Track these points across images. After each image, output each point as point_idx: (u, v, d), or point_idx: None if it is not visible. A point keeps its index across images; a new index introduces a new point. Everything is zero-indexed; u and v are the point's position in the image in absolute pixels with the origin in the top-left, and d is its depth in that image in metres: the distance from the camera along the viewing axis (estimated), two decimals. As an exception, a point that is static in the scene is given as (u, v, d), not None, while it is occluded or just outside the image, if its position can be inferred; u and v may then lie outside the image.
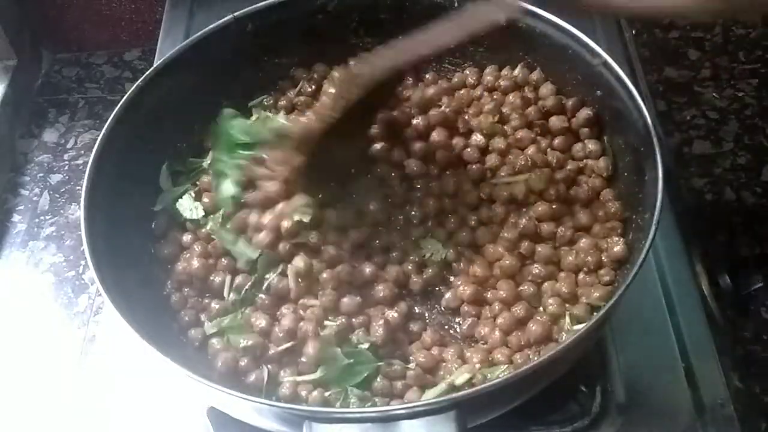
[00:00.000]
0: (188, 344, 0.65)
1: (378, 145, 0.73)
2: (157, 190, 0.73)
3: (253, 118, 0.76)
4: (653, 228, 0.57)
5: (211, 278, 0.67)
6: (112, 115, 0.68)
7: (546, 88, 0.74)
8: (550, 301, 0.64)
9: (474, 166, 0.72)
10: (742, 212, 1.04)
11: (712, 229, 1.01)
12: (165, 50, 0.99)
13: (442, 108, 0.75)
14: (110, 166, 0.67)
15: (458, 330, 0.67)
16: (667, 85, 1.19)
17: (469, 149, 0.72)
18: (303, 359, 0.62)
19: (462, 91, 0.77)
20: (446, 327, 0.68)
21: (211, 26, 0.74)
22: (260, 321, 0.64)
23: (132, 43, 1.31)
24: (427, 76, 0.79)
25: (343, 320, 0.63)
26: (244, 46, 0.76)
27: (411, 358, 0.64)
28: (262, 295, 0.66)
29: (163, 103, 0.72)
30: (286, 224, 0.66)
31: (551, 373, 0.58)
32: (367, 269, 0.67)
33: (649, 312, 0.73)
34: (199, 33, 0.74)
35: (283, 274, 0.66)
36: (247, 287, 0.66)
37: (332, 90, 0.65)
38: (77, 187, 1.11)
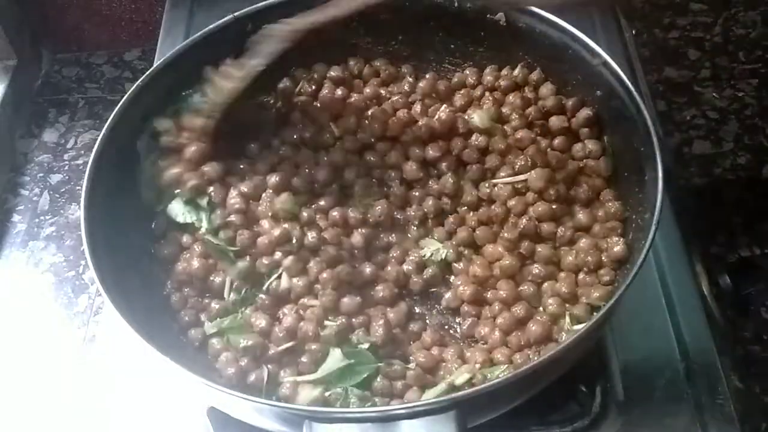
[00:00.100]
0: (188, 344, 0.65)
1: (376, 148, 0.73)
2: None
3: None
4: (653, 228, 0.57)
5: (211, 278, 0.67)
6: (112, 115, 0.68)
7: (546, 88, 0.74)
8: (550, 301, 0.64)
9: (474, 166, 0.72)
10: (742, 212, 1.04)
11: (712, 229, 1.01)
12: (165, 50, 0.99)
13: (443, 108, 0.75)
14: (110, 166, 0.67)
15: (458, 330, 0.67)
16: (667, 85, 1.19)
17: (469, 149, 0.72)
18: (303, 359, 0.62)
19: (462, 91, 0.77)
20: (446, 327, 0.68)
21: (211, 26, 0.74)
22: (260, 321, 0.64)
23: (132, 43, 1.31)
24: (426, 75, 0.80)
25: (344, 320, 0.63)
26: (244, 46, 0.76)
27: (411, 358, 0.64)
28: (262, 295, 0.66)
29: (163, 103, 0.72)
30: (276, 232, 0.67)
31: (551, 373, 0.58)
32: (367, 269, 0.67)
33: (649, 312, 0.73)
34: (199, 33, 0.74)
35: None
36: (247, 288, 0.66)
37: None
38: (77, 187, 1.11)
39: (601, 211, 0.68)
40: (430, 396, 0.60)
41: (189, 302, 0.67)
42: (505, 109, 0.74)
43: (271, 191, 0.70)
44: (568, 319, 0.63)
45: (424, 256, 0.69)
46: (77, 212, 1.08)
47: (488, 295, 0.66)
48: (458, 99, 0.76)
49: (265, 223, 0.69)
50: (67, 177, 1.13)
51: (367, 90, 0.78)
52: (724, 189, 1.07)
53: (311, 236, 0.67)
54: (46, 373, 0.90)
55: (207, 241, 0.68)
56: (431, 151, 0.72)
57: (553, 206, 0.68)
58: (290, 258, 0.66)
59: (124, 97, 0.69)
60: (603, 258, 0.65)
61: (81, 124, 1.20)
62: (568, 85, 0.74)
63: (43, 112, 1.22)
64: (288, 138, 0.74)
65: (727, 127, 1.14)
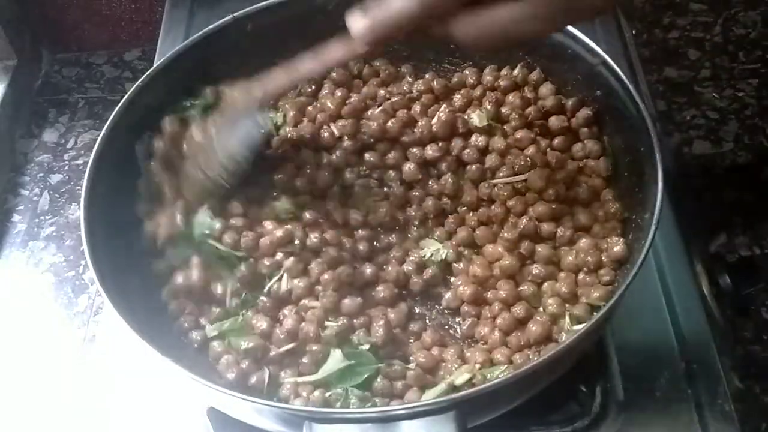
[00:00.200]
0: (188, 345, 0.65)
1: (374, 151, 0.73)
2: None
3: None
4: (653, 228, 0.57)
5: (211, 287, 0.66)
6: (112, 115, 0.68)
7: (546, 88, 0.74)
8: (550, 301, 0.64)
9: (474, 166, 0.72)
10: (742, 212, 1.04)
11: (712, 229, 1.01)
12: (165, 50, 0.99)
13: (442, 108, 0.75)
14: (110, 166, 0.67)
15: (458, 330, 0.67)
16: (667, 85, 1.19)
17: (468, 149, 0.72)
18: (304, 360, 0.62)
19: (462, 91, 0.77)
20: (446, 327, 0.68)
21: (211, 26, 0.74)
22: (261, 323, 0.64)
23: (132, 43, 1.31)
24: (426, 75, 0.79)
25: (345, 321, 0.63)
26: (244, 46, 0.76)
27: (411, 358, 0.64)
28: (263, 298, 0.66)
29: (163, 104, 0.72)
30: (279, 233, 0.67)
31: (551, 373, 0.58)
32: (368, 270, 0.67)
33: (649, 312, 0.73)
34: (199, 33, 0.74)
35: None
36: (247, 291, 0.66)
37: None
38: (77, 187, 1.11)
39: (601, 211, 0.68)
40: (430, 396, 0.60)
41: (187, 308, 0.67)
42: (504, 109, 0.74)
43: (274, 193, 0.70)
44: (568, 319, 0.63)
45: (424, 256, 0.69)
46: (77, 212, 1.08)
47: (488, 295, 0.66)
48: (458, 99, 0.76)
49: (267, 225, 0.68)
50: (67, 177, 1.13)
51: (365, 90, 0.78)
52: (724, 189, 1.07)
53: (313, 237, 0.67)
54: (46, 373, 0.90)
55: (211, 247, 0.67)
56: (431, 151, 0.72)
57: (553, 206, 0.68)
58: (291, 259, 0.66)
59: (124, 97, 0.69)
60: (603, 258, 0.65)
61: (81, 124, 1.20)
62: (568, 85, 0.74)
63: (43, 112, 1.22)
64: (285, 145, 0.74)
65: (727, 127, 1.13)
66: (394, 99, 0.76)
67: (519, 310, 0.64)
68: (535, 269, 0.66)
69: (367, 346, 0.62)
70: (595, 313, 0.61)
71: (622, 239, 0.65)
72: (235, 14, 0.75)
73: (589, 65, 0.69)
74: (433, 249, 0.69)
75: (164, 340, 0.58)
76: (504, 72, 0.76)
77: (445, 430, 0.50)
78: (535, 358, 0.59)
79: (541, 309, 0.65)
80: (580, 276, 0.65)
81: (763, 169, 1.09)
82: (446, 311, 0.68)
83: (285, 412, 0.55)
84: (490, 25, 0.50)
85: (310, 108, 0.77)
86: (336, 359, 0.61)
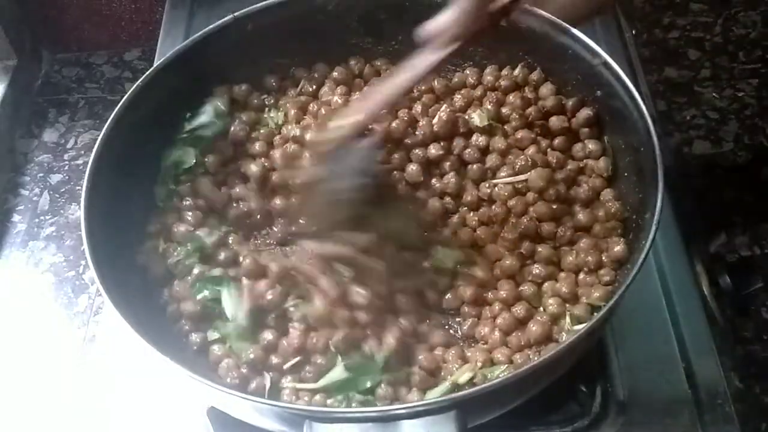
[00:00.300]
0: (188, 346, 0.65)
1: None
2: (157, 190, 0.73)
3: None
4: (653, 228, 0.57)
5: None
6: (112, 115, 0.68)
7: (546, 88, 0.74)
8: (551, 301, 0.64)
9: (474, 166, 0.72)
10: (742, 212, 1.04)
11: (712, 229, 1.01)
12: (165, 50, 0.99)
13: (443, 108, 0.75)
14: (110, 166, 0.67)
15: (459, 330, 0.67)
16: (667, 85, 1.19)
17: (469, 149, 0.72)
18: (307, 368, 0.62)
19: (462, 91, 0.77)
20: (446, 327, 0.68)
21: (211, 26, 0.74)
22: (267, 334, 0.64)
23: (132, 43, 1.31)
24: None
25: (349, 331, 0.63)
26: (244, 46, 0.76)
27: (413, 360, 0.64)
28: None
29: (163, 103, 0.72)
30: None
31: (551, 373, 0.58)
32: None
33: (649, 312, 0.73)
34: (199, 33, 0.74)
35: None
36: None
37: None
38: (77, 187, 1.11)
39: (601, 211, 0.68)
40: (432, 396, 0.60)
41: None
42: (505, 109, 0.74)
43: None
44: (568, 319, 0.63)
45: (435, 264, 0.68)
46: (77, 212, 1.07)
47: (488, 296, 0.66)
48: (458, 99, 0.76)
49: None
50: (67, 177, 1.13)
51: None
52: (724, 189, 1.06)
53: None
54: (46, 372, 0.90)
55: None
56: (434, 150, 0.72)
57: (553, 206, 0.68)
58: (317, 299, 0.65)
59: (124, 97, 0.69)
60: (603, 258, 0.65)
61: (81, 124, 1.20)
62: (568, 85, 0.74)
63: (43, 112, 1.22)
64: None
65: (727, 127, 1.13)
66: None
67: (519, 310, 0.64)
68: (536, 269, 0.66)
69: (380, 356, 0.61)
70: (595, 313, 0.61)
71: (622, 239, 0.65)
72: (236, 14, 0.75)
73: (590, 65, 0.69)
74: (444, 256, 0.68)
75: (164, 340, 0.58)
76: (504, 72, 0.76)
77: (446, 430, 0.50)
78: (535, 358, 0.59)
79: (541, 309, 0.65)
80: (581, 276, 0.65)
81: (763, 169, 1.09)
82: (447, 311, 0.68)
83: (286, 411, 0.55)
84: None
85: (311, 107, 0.77)
86: (339, 371, 0.61)
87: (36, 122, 1.21)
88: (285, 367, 0.62)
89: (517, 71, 0.76)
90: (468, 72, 0.78)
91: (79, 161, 1.15)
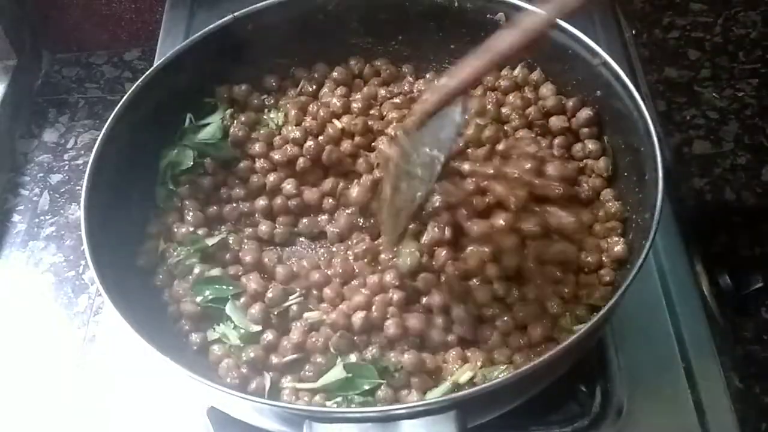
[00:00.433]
0: (188, 345, 0.65)
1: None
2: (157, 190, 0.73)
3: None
4: (653, 228, 0.57)
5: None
6: (112, 115, 0.68)
7: (546, 88, 0.74)
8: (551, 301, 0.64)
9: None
10: (742, 212, 1.04)
11: (712, 229, 1.01)
12: (165, 50, 0.99)
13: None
14: (110, 166, 0.67)
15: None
16: (667, 85, 1.19)
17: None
18: (307, 368, 0.62)
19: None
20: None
21: (211, 26, 0.74)
22: (267, 334, 0.64)
23: (132, 43, 1.31)
24: (427, 75, 0.79)
25: (346, 332, 0.63)
26: (244, 46, 0.76)
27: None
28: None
29: (163, 103, 0.72)
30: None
31: (551, 373, 0.58)
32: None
33: (649, 312, 0.73)
34: (199, 33, 0.74)
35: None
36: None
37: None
38: (77, 187, 1.11)
39: (601, 211, 0.68)
40: (432, 396, 0.60)
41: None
42: (505, 109, 0.74)
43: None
44: (568, 319, 0.63)
45: None
46: (77, 212, 1.07)
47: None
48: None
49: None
50: (67, 177, 1.13)
51: (366, 90, 0.78)
52: (724, 189, 1.06)
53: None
54: (46, 373, 0.90)
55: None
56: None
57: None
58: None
59: (124, 97, 0.69)
60: (603, 258, 0.65)
61: (81, 124, 1.20)
62: (568, 85, 0.74)
63: (43, 112, 1.22)
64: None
65: (727, 127, 1.13)
66: (394, 99, 0.76)
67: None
68: (536, 269, 0.66)
69: (401, 369, 0.61)
70: (595, 313, 0.61)
71: (622, 239, 0.65)
72: (235, 14, 0.75)
73: (590, 65, 0.69)
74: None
75: (164, 341, 0.58)
76: (504, 72, 0.76)
77: (446, 430, 0.50)
78: (535, 358, 0.59)
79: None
80: (581, 276, 0.65)
81: (763, 169, 1.09)
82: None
83: (285, 411, 0.55)
84: None
85: (311, 107, 0.77)
86: (338, 371, 0.60)
87: (36, 122, 1.21)
88: (284, 360, 0.62)
89: (517, 71, 0.76)
90: (468, 72, 0.78)
91: (79, 161, 1.15)
